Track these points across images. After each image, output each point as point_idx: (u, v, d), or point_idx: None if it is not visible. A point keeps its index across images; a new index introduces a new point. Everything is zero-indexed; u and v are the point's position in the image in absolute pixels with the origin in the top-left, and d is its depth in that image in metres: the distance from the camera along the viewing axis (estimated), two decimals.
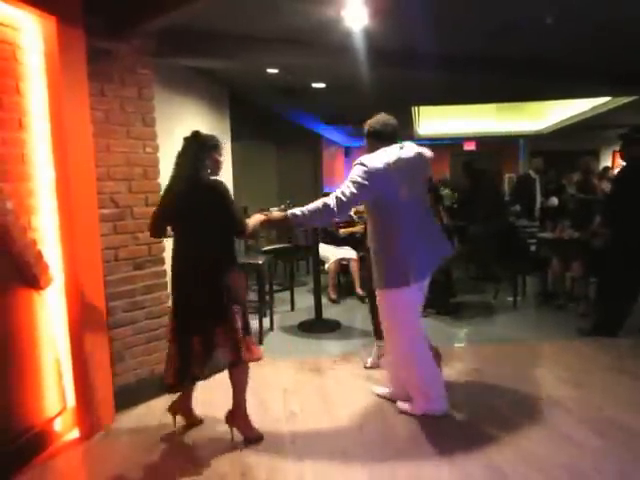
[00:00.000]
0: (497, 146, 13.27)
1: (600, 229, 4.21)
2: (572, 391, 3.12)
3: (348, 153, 14.36)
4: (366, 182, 2.52)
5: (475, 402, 3.02)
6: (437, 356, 3.19)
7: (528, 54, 4.65)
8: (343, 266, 5.58)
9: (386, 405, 2.99)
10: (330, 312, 4.88)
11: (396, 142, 2.70)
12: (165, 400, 2.86)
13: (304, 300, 5.35)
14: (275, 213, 2.72)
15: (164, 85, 4.01)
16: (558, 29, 3.77)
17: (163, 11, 2.66)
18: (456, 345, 4.07)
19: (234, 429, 2.60)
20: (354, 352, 3.90)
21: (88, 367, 2.66)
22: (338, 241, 5.67)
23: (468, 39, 4.16)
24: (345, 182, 2.58)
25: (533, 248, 5.50)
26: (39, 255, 2.46)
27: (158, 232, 2.62)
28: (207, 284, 2.44)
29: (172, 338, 2.57)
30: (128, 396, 2.99)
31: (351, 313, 5.08)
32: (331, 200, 2.55)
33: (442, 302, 4.76)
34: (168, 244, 2.76)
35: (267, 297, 4.77)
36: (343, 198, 2.53)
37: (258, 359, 2.56)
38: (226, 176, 5.60)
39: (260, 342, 4.18)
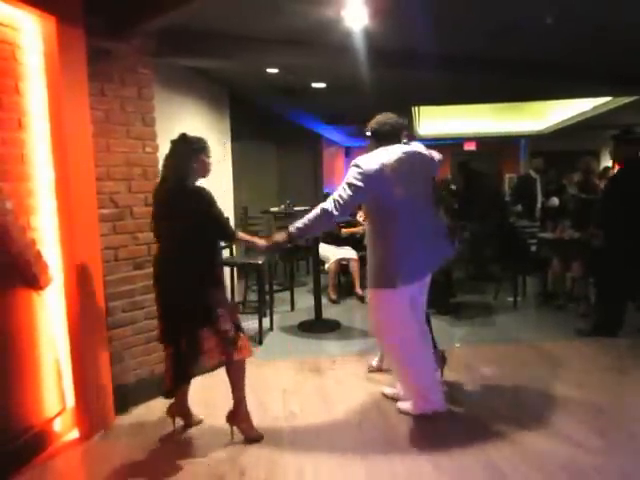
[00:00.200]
0: (497, 146, 13.25)
1: (594, 230, 4.22)
2: (572, 391, 3.12)
3: (348, 153, 14.35)
4: (361, 184, 2.51)
5: (475, 402, 3.02)
6: (443, 360, 3.20)
7: (528, 54, 4.64)
8: (343, 266, 5.58)
9: (386, 404, 2.99)
10: (330, 312, 4.88)
11: (398, 142, 2.67)
12: (164, 400, 2.85)
13: (304, 300, 5.35)
14: (277, 235, 2.69)
15: (164, 85, 4.01)
16: (558, 29, 3.77)
17: (163, 11, 2.66)
18: (456, 345, 4.06)
19: (234, 428, 2.61)
20: (354, 352, 3.90)
21: (87, 367, 2.66)
22: (338, 241, 5.68)
23: (468, 39, 4.15)
24: (341, 184, 2.58)
25: (533, 248, 5.49)
26: (38, 255, 2.46)
27: (154, 232, 2.66)
28: (189, 288, 2.45)
29: (161, 340, 2.60)
30: (128, 396, 2.99)
31: (351, 313, 5.08)
32: (329, 204, 2.55)
33: (442, 302, 4.75)
34: None
35: (267, 297, 4.77)
36: (340, 201, 2.53)
37: (248, 355, 2.58)
38: (226, 176, 5.60)
39: (260, 342, 4.18)
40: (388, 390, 3.10)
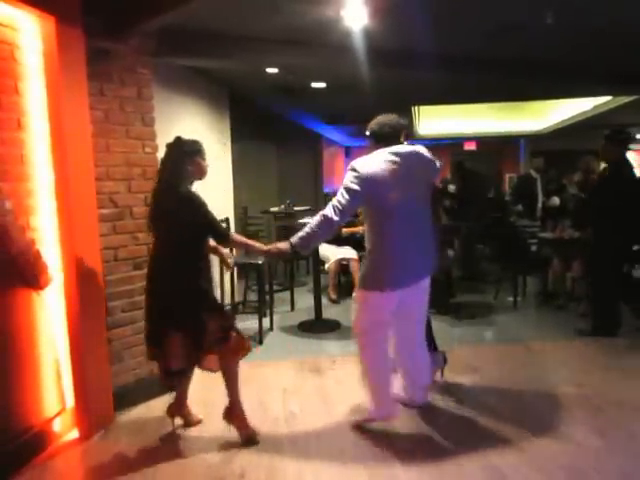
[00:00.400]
0: (498, 146, 13.26)
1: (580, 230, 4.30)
2: (572, 391, 3.12)
3: (348, 153, 14.36)
4: (358, 187, 2.50)
5: (475, 402, 3.02)
6: (444, 361, 3.20)
7: (527, 54, 4.64)
8: (343, 266, 5.58)
9: None
10: (330, 312, 4.88)
11: (398, 142, 2.64)
12: (164, 400, 2.86)
13: (304, 300, 5.35)
14: (280, 244, 2.67)
15: (163, 85, 4.01)
16: (557, 29, 3.76)
17: (161, 11, 2.66)
18: (456, 345, 4.06)
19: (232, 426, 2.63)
20: (354, 352, 3.89)
21: (87, 367, 2.66)
22: (339, 241, 5.67)
23: (468, 39, 4.15)
24: (340, 189, 2.58)
25: (534, 248, 5.49)
26: (38, 255, 2.46)
27: (151, 231, 2.66)
28: (178, 288, 2.47)
29: (148, 342, 2.60)
30: (127, 396, 2.99)
31: (351, 313, 5.07)
32: (329, 211, 2.54)
33: (442, 302, 4.75)
34: None
35: (267, 297, 4.77)
36: (339, 206, 2.52)
37: (242, 355, 2.60)
38: (226, 176, 5.60)
39: (260, 342, 4.18)
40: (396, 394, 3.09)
